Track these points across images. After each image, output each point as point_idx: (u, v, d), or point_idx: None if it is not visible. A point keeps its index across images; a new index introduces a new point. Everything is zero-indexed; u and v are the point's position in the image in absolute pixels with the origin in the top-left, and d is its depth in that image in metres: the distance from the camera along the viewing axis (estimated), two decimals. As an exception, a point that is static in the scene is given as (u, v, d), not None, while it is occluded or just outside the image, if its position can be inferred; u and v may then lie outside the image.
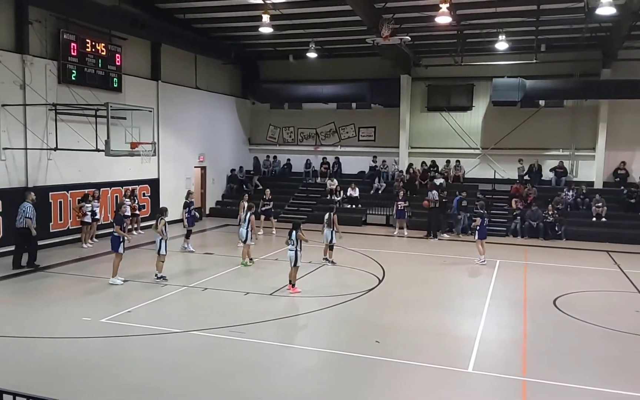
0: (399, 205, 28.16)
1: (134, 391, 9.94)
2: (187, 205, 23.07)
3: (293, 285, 16.53)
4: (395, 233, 28.23)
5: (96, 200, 23.39)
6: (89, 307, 14.54)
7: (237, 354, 11.69)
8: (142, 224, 26.55)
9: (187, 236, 22.99)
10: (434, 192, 28.26)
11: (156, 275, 17.42)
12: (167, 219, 17.75)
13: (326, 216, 20.83)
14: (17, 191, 20.73)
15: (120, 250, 17.09)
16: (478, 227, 21.15)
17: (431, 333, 13.37)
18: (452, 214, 28.37)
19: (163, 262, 17.47)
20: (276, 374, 10.89)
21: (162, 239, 17.28)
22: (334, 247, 20.83)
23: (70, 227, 23.14)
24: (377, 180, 33.61)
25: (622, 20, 23.86)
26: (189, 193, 23.86)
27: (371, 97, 33.66)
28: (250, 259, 20.11)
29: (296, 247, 16.39)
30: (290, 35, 30.14)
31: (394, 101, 33.71)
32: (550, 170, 31.69)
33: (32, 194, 19.43)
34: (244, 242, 20.19)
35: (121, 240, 17.13)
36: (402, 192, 28.74)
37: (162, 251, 17.35)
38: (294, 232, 16.44)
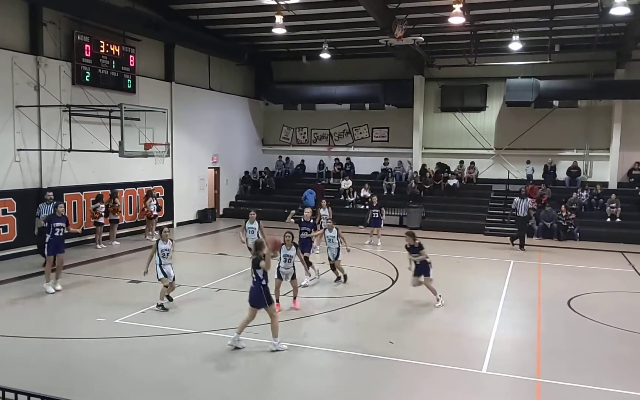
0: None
1: (148, 391, 10.00)
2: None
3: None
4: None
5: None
6: (103, 308, 14.59)
7: (251, 355, 11.68)
8: (158, 224, 26.54)
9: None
10: (525, 201, 25.46)
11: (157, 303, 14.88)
12: (164, 243, 14.82)
13: None
14: (31, 192, 20.87)
15: (45, 251, 16.27)
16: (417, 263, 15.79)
17: (445, 334, 13.34)
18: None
19: (166, 286, 14.78)
20: (290, 375, 10.91)
21: (158, 263, 14.82)
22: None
23: (84, 228, 23.22)
24: (385, 178, 33.61)
25: (636, 21, 23.72)
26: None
27: (384, 98, 33.64)
28: None
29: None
30: (303, 36, 30.17)
31: (407, 102, 33.71)
32: (568, 173, 31.53)
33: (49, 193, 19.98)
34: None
35: (46, 241, 16.15)
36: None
37: (159, 275, 14.72)
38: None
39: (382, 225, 25.71)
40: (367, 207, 28.44)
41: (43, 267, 16.76)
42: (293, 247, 14.66)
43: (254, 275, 11.99)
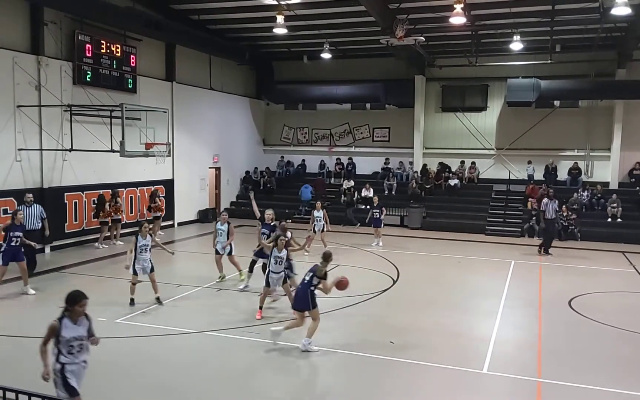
0: None
1: (149, 391, 10.01)
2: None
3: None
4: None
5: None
6: (104, 308, 14.55)
7: (251, 354, 11.69)
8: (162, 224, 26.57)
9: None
10: (553, 203, 23.94)
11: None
12: (143, 238, 14.83)
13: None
14: (32, 192, 20.80)
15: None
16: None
17: (446, 334, 13.33)
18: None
19: (134, 284, 14.93)
20: (290, 374, 10.93)
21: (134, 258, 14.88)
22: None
23: (85, 228, 23.26)
24: (386, 178, 33.69)
25: (637, 21, 23.66)
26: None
27: (385, 98, 33.62)
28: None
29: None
30: (304, 36, 30.13)
31: (408, 102, 33.71)
32: (569, 173, 31.50)
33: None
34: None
35: (1, 250, 15.60)
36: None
37: (131, 270, 14.83)
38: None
39: (382, 225, 25.63)
40: (368, 207, 28.43)
41: None
42: (284, 250, 14.09)
43: (306, 278, 12.08)
